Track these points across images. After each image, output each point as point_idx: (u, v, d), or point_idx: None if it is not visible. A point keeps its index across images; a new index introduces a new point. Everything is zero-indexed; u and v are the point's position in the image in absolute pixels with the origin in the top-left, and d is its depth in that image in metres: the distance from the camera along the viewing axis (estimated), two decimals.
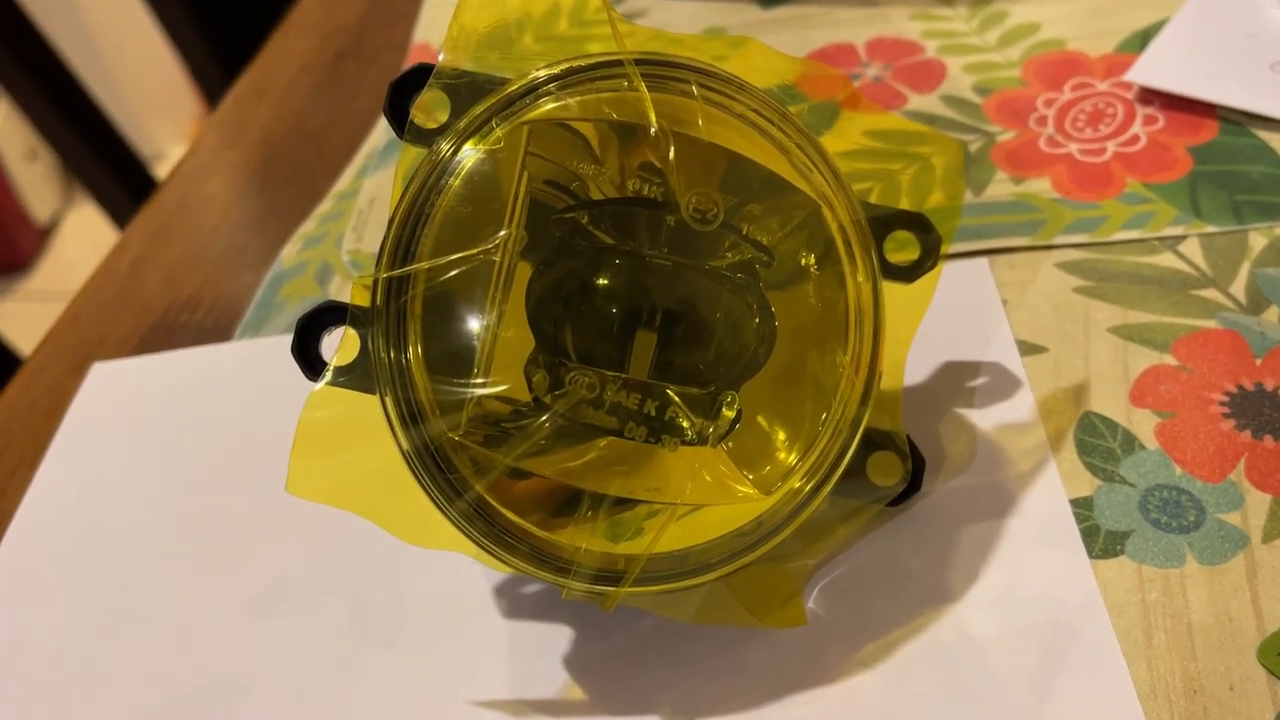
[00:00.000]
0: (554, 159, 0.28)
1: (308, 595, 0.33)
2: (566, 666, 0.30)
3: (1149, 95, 0.43)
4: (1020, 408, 0.33)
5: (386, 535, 0.30)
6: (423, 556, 0.32)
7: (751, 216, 0.28)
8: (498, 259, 0.27)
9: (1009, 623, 0.29)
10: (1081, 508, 0.31)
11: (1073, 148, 0.41)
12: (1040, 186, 0.40)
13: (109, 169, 0.88)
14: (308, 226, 0.47)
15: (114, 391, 0.42)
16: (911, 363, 0.32)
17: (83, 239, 1.66)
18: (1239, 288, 0.35)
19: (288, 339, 0.29)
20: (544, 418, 0.28)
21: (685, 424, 0.28)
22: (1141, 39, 0.45)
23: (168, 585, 0.35)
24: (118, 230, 0.89)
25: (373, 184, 0.48)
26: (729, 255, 0.29)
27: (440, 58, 0.28)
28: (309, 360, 0.28)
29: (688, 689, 0.29)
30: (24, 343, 0.71)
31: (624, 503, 0.28)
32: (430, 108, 0.28)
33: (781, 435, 0.29)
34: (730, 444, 0.28)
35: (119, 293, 0.48)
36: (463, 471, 0.27)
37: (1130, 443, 0.32)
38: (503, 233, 0.27)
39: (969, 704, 0.28)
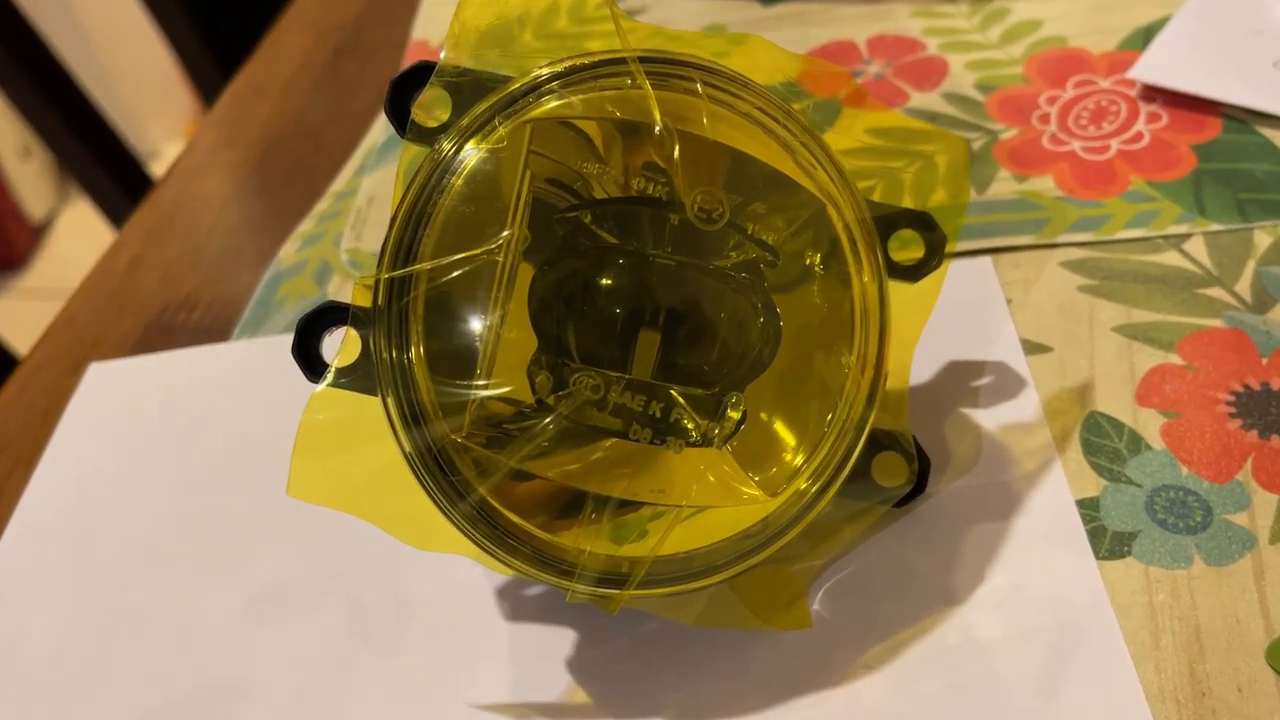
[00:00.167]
0: (557, 158, 0.28)
1: (307, 597, 0.33)
2: (569, 669, 0.30)
3: (1152, 93, 0.42)
4: (1025, 408, 0.33)
5: (387, 537, 0.30)
6: (423, 558, 0.32)
7: (756, 215, 0.28)
8: (501, 259, 0.27)
9: (1015, 624, 0.29)
10: (1088, 508, 0.30)
11: (1076, 145, 0.41)
12: (1044, 184, 0.40)
13: (104, 166, 0.88)
14: (306, 225, 0.47)
15: (111, 392, 0.42)
16: (915, 362, 0.32)
17: (77, 236, 1.65)
18: (1244, 286, 0.35)
19: (286, 339, 0.29)
20: (548, 419, 0.27)
21: (690, 425, 0.28)
22: (1144, 36, 0.45)
23: (166, 586, 0.34)
24: (112, 228, 0.89)
25: (371, 182, 0.48)
26: (733, 255, 0.28)
27: (442, 55, 0.28)
28: (309, 361, 0.28)
29: (692, 692, 0.29)
30: (19, 340, 0.70)
31: (628, 505, 0.28)
32: (431, 106, 0.28)
33: (787, 436, 0.28)
34: (735, 445, 0.28)
35: (116, 292, 0.47)
36: (465, 473, 0.27)
37: (1136, 443, 0.32)
38: (506, 232, 0.27)
39: (975, 706, 0.27)
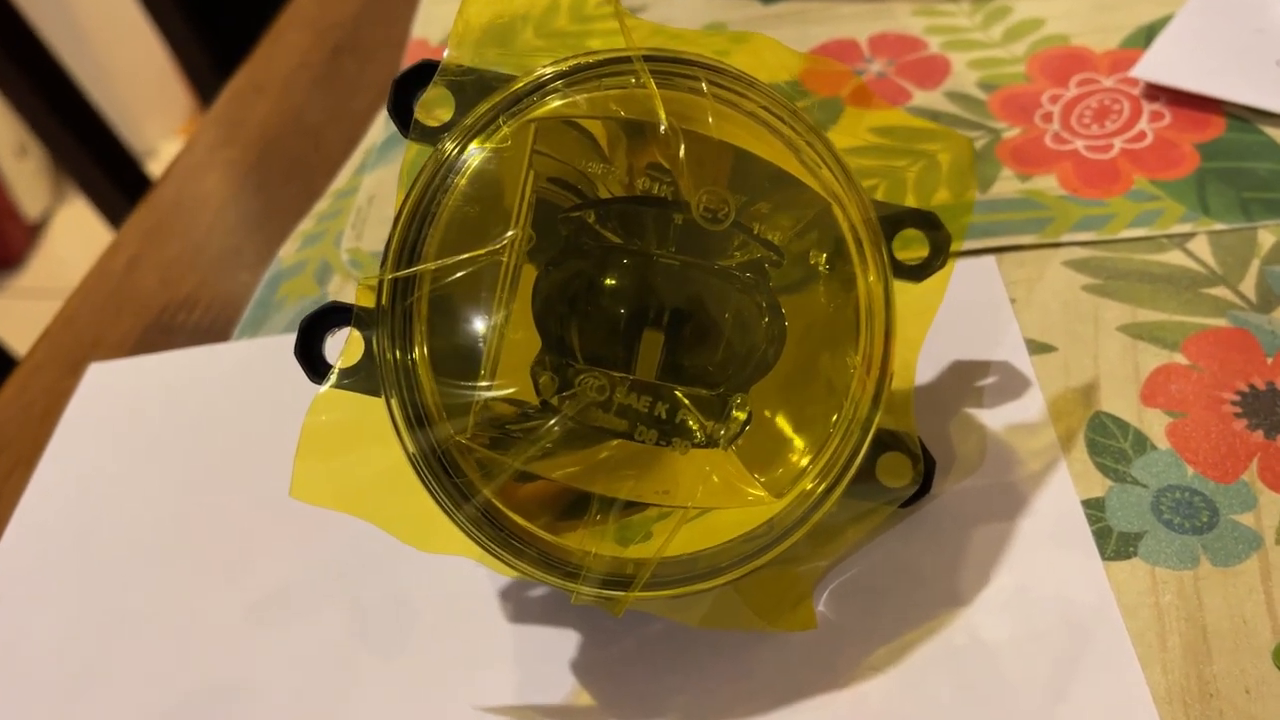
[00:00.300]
0: (561, 157, 0.27)
1: (308, 597, 0.33)
2: (574, 671, 0.30)
3: (1155, 91, 0.42)
4: (1030, 408, 0.33)
5: (388, 537, 0.30)
6: (425, 559, 0.32)
7: (761, 215, 0.28)
8: (505, 259, 0.27)
9: (1021, 625, 0.29)
10: (1093, 509, 0.30)
11: (1079, 144, 0.41)
12: (1047, 183, 0.40)
13: (100, 165, 0.88)
14: (306, 225, 0.47)
15: (111, 392, 0.42)
16: (919, 362, 0.32)
17: (74, 235, 1.65)
18: (1249, 285, 0.35)
19: (287, 339, 0.29)
20: (552, 421, 0.27)
21: (695, 426, 0.28)
22: (1146, 34, 0.45)
23: (166, 587, 0.34)
24: (109, 227, 0.89)
25: (372, 181, 0.48)
26: (738, 254, 0.28)
27: (445, 54, 0.28)
28: (312, 362, 0.28)
29: (697, 694, 0.29)
30: (16, 339, 0.70)
31: (633, 506, 0.28)
32: (434, 105, 0.28)
33: (792, 437, 0.28)
34: (740, 446, 0.28)
35: (115, 292, 0.47)
36: (469, 475, 0.27)
37: (1141, 443, 0.32)
38: (510, 232, 0.27)
39: (982, 708, 0.27)
